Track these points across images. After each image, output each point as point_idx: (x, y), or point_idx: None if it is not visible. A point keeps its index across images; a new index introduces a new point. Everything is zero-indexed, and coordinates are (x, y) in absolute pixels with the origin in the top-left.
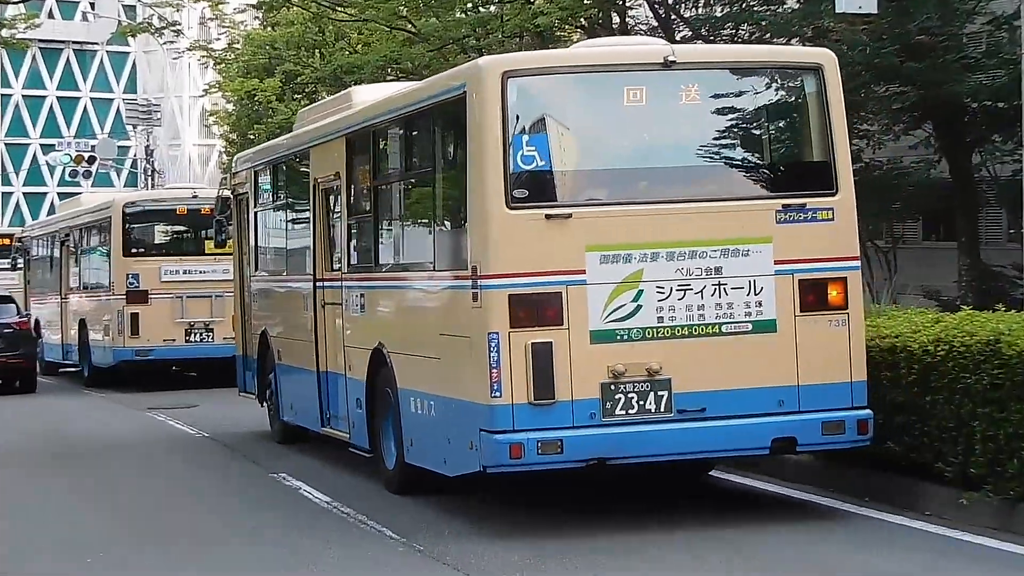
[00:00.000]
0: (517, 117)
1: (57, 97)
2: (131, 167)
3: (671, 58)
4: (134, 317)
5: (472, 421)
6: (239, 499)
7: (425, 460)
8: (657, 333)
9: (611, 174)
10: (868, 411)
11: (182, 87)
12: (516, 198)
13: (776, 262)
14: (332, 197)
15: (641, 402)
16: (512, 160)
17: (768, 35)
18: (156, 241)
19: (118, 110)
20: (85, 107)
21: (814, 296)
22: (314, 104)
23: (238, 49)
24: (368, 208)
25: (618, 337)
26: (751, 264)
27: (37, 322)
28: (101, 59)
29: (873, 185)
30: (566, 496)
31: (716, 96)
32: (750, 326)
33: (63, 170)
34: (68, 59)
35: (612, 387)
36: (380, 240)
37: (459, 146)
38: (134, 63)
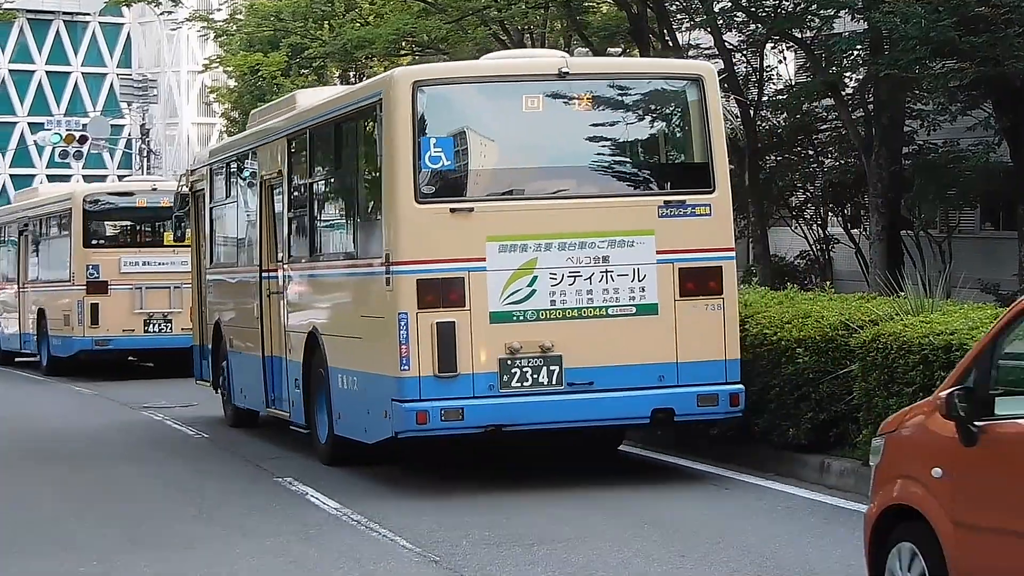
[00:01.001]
0: (425, 122)
1: (46, 72)
2: (125, 147)
3: (565, 69)
4: (94, 307)
5: (385, 392)
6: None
7: (350, 431)
8: (550, 315)
9: (510, 173)
10: (740, 386)
11: (180, 61)
12: (424, 194)
13: (658, 252)
14: (276, 193)
15: (535, 376)
16: (421, 160)
17: (814, 6)
18: (116, 233)
19: (111, 86)
20: (76, 83)
21: (692, 283)
22: (265, 105)
23: (241, 20)
24: (304, 203)
25: (515, 318)
26: (635, 254)
27: None
28: (93, 31)
29: (927, 169)
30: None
31: (606, 103)
32: (634, 309)
33: (53, 151)
34: (58, 31)
35: (509, 362)
36: (314, 232)
37: (376, 147)
38: (129, 35)
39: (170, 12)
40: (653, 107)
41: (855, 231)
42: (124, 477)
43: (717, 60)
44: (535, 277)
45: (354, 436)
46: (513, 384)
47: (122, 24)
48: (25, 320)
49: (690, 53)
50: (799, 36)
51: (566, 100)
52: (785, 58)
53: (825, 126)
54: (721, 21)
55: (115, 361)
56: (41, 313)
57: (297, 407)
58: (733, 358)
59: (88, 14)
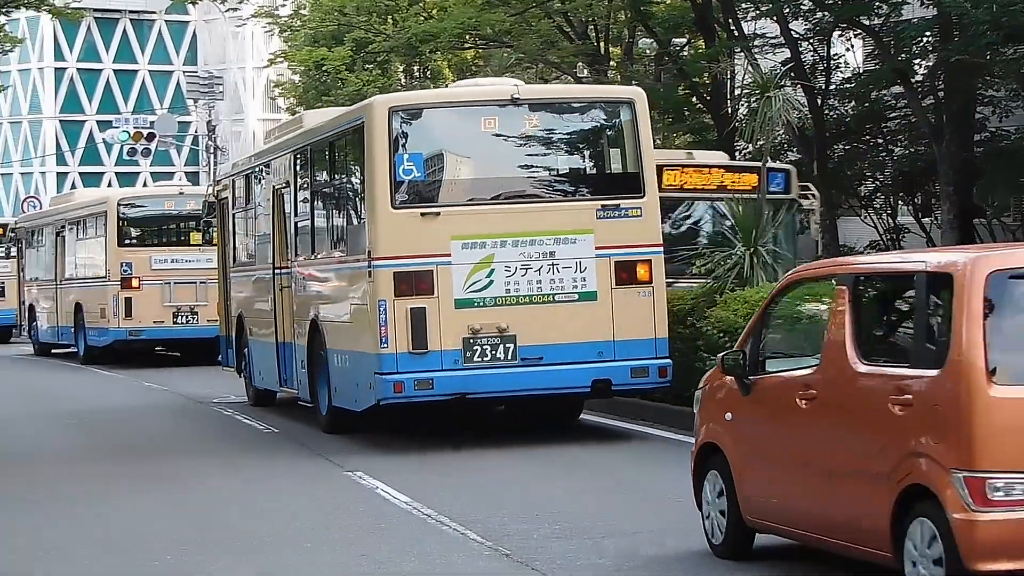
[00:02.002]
0: (399, 141)
1: (114, 70)
2: (192, 144)
3: (516, 96)
4: (127, 301)
5: (369, 367)
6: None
7: (344, 401)
8: (505, 301)
9: (471, 183)
10: (668, 360)
11: (245, 58)
12: (398, 201)
13: (596, 248)
14: (285, 201)
15: (493, 352)
16: (395, 172)
17: None
18: (146, 233)
19: (178, 83)
20: (143, 81)
21: (626, 273)
22: (280, 123)
23: (305, 16)
24: (307, 209)
25: (475, 304)
26: (577, 249)
27: (31, 307)
28: (159, 29)
29: (999, 157)
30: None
31: (551, 123)
32: (577, 296)
33: (121, 148)
34: (125, 30)
35: (471, 341)
36: (314, 234)
37: (360, 162)
38: (194, 33)
39: (235, 9)
40: (592, 126)
41: (926, 220)
42: (194, 471)
43: (783, 49)
44: (492, 269)
45: (347, 406)
46: (475, 359)
47: (187, 22)
48: (62, 314)
49: (756, 42)
50: (867, 23)
51: (518, 121)
52: (853, 46)
53: (894, 114)
54: (787, 9)
55: (144, 350)
56: (78, 307)
57: (303, 385)
58: (662, 336)
59: (154, 12)
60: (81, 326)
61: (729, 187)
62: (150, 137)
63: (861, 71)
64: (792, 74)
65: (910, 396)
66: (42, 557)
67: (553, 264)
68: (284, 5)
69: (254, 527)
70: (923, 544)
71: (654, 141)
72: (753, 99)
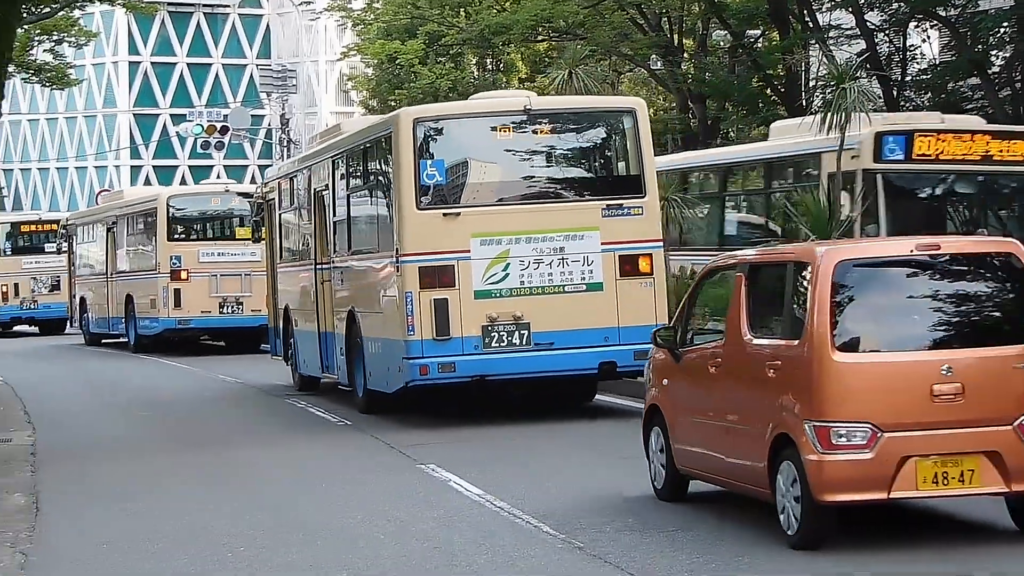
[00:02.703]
0: (423, 148)
1: (187, 64)
2: (265, 137)
3: (528, 107)
4: (176, 292)
5: (398, 352)
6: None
7: (378, 384)
8: (520, 292)
9: (488, 186)
10: None
11: (318, 51)
12: (423, 203)
13: (602, 243)
14: (324, 202)
15: (509, 338)
16: (420, 177)
17: None
18: (194, 228)
19: (251, 77)
20: (217, 74)
21: (629, 266)
22: (322, 130)
23: (378, 9)
24: (344, 209)
25: (493, 294)
26: (585, 245)
27: (83, 299)
28: (233, 23)
29: None
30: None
31: (561, 131)
32: (584, 286)
33: (194, 141)
34: (198, 23)
35: (489, 328)
36: (350, 232)
37: (389, 167)
38: (267, 26)
39: (308, 2)
40: (597, 133)
41: (1003, 212)
42: (267, 462)
43: (859, 40)
44: (508, 264)
45: (380, 388)
46: (493, 344)
47: (261, 15)
48: (113, 306)
49: (831, 34)
50: (943, 14)
51: (530, 129)
52: (929, 37)
53: (971, 105)
54: (863, 0)
55: (191, 339)
56: (129, 299)
57: (342, 370)
58: (662, 322)
59: (227, 6)
60: (131, 316)
61: (996, 157)
62: (223, 130)
63: (937, 62)
64: (867, 65)
65: (779, 361)
66: (121, 549)
67: (563, 258)
68: None
69: (327, 519)
70: (787, 482)
71: (727, 135)
72: (828, 91)
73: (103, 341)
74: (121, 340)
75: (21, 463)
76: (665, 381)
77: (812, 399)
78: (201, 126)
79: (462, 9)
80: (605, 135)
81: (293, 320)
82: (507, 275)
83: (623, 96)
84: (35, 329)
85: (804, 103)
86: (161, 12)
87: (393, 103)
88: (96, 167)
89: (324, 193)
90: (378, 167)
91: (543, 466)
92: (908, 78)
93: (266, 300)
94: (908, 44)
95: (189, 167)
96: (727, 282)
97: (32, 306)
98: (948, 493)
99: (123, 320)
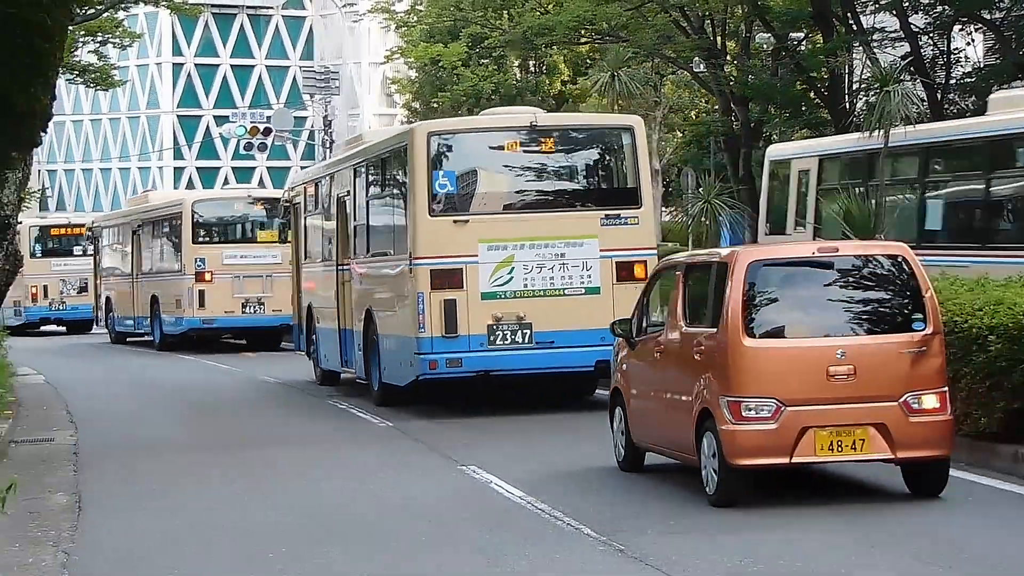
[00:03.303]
0: (436, 160)
1: (230, 65)
2: (308, 139)
3: (535, 123)
4: (201, 293)
5: (410, 348)
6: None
7: (392, 378)
8: (523, 294)
9: (495, 195)
10: None
11: (361, 53)
12: (435, 210)
13: (601, 250)
14: (346, 207)
15: (512, 336)
16: (433, 186)
17: None
18: (218, 231)
19: (294, 78)
20: (260, 76)
21: (625, 272)
22: (346, 140)
23: (421, 11)
24: (364, 214)
25: (498, 296)
26: (584, 251)
27: (108, 299)
28: (276, 24)
29: None
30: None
31: (564, 146)
32: (583, 290)
33: (237, 143)
34: (242, 25)
35: (494, 327)
36: (369, 236)
37: (405, 177)
38: (311, 28)
39: (352, 4)
40: (597, 148)
41: None
42: (309, 463)
43: (902, 43)
44: (513, 268)
45: (394, 382)
46: (497, 342)
47: (304, 17)
48: (139, 306)
49: (875, 36)
50: (988, 17)
51: (536, 144)
52: (973, 40)
53: None
54: (907, 3)
55: (213, 337)
56: (154, 299)
57: (359, 365)
58: None
59: (271, 8)
60: (157, 316)
61: None
62: (266, 132)
63: (981, 65)
64: (911, 68)
65: (703, 346)
66: (161, 548)
67: (564, 263)
68: (400, 0)
69: (368, 519)
70: (708, 450)
71: (771, 137)
72: (872, 94)
73: (128, 340)
74: (146, 339)
75: (64, 462)
76: (624, 366)
77: (726, 378)
78: (244, 127)
79: (505, 11)
80: (605, 150)
81: (316, 318)
82: (511, 278)
83: (622, 114)
84: (63, 329)
85: (847, 106)
86: (205, 13)
87: (436, 105)
88: (139, 168)
89: (346, 199)
90: (395, 176)
91: (579, 466)
92: (952, 81)
93: (291, 298)
94: (952, 47)
95: (232, 168)
96: (672, 280)
97: (61, 307)
98: (842, 458)
99: (148, 319)
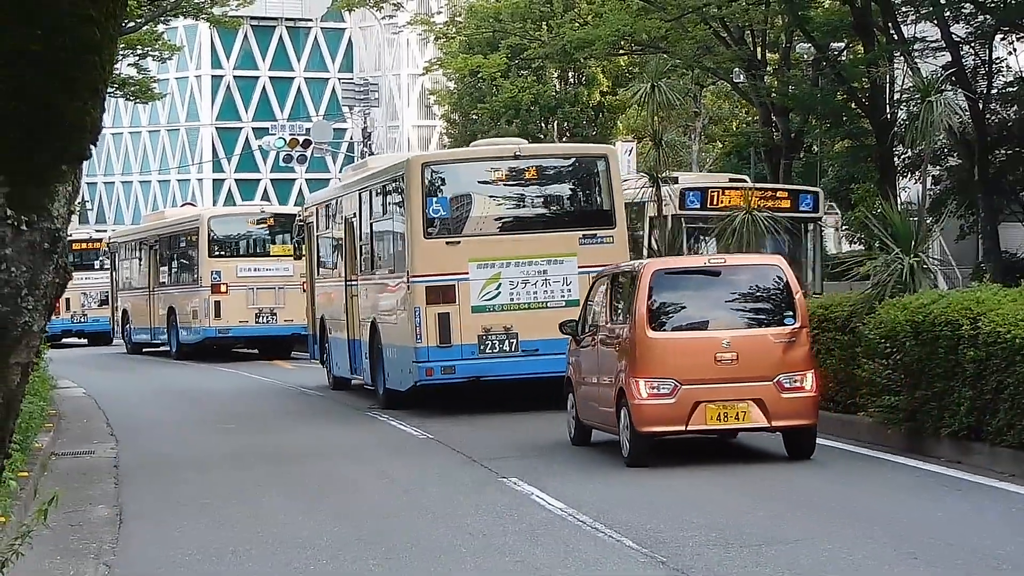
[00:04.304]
0: (430, 188)
1: (270, 77)
2: (347, 151)
3: (518, 153)
4: (217, 304)
5: (409, 357)
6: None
7: (394, 384)
8: (510, 307)
9: (484, 218)
10: None
11: (400, 64)
12: (429, 232)
13: (579, 267)
14: (353, 228)
15: (500, 345)
16: (427, 211)
17: None
18: (233, 245)
19: (333, 90)
20: (299, 88)
21: None
22: (352, 165)
23: (460, 23)
24: (368, 235)
25: (487, 309)
26: (564, 268)
27: (125, 311)
28: (315, 36)
29: None
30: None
31: (545, 172)
32: (564, 303)
33: (277, 155)
34: (281, 37)
35: (484, 337)
36: (373, 255)
37: (403, 202)
38: (350, 40)
39: (391, 16)
40: (575, 174)
41: None
42: (348, 474)
43: (944, 53)
44: (500, 284)
45: (395, 387)
46: (487, 351)
47: (343, 29)
48: (156, 317)
49: (916, 46)
50: None
51: (519, 171)
52: (1015, 49)
53: None
54: (948, 13)
55: (227, 347)
56: (171, 310)
57: (366, 372)
58: None
59: (310, 20)
60: (173, 326)
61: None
62: (306, 144)
63: (1023, 75)
64: (953, 78)
65: (621, 339)
66: (201, 560)
67: (546, 279)
68: (440, 12)
69: (410, 532)
70: (624, 422)
71: (811, 148)
72: (913, 104)
73: (143, 350)
74: (162, 349)
75: (105, 475)
76: (573, 359)
77: (635, 363)
78: (283, 139)
79: (544, 23)
80: (582, 176)
81: (328, 329)
82: (499, 293)
83: (597, 144)
84: (84, 341)
85: (888, 116)
86: (244, 26)
87: (475, 117)
88: (179, 181)
89: (353, 220)
90: (394, 201)
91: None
92: (994, 91)
93: (306, 311)
94: (994, 57)
95: (271, 181)
96: (604, 286)
97: (82, 319)
98: (728, 427)
99: (165, 330)
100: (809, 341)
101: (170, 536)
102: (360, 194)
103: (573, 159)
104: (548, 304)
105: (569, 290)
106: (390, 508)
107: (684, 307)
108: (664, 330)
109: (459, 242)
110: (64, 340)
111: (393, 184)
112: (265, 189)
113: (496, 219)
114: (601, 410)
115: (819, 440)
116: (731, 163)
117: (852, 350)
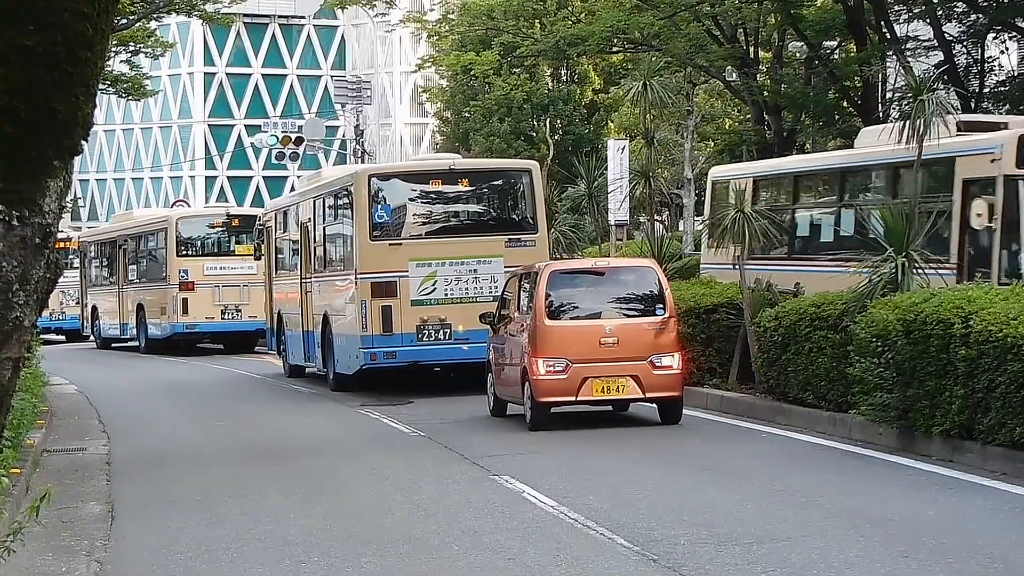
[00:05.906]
0: (375, 196)
1: (262, 75)
2: (340, 148)
3: (452, 166)
4: (184, 301)
5: (356, 345)
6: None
7: (343, 369)
8: (444, 301)
9: (422, 224)
10: None
11: (393, 62)
12: (374, 235)
13: (505, 267)
14: (308, 231)
15: (436, 334)
16: (373, 217)
17: None
18: (200, 245)
19: (326, 88)
20: (292, 85)
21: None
22: (308, 174)
23: (453, 20)
24: (321, 237)
25: (425, 303)
26: (492, 268)
27: (95, 308)
28: (308, 34)
29: None
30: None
31: (476, 184)
32: (492, 297)
33: (269, 152)
34: (274, 34)
35: (422, 327)
36: (326, 255)
37: (351, 209)
38: (343, 37)
39: (384, 14)
40: (503, 186)
41: None
42: (341, 472)
43: (936, 52)
44: (436, 280)
45: (344, 372)
46: (424, 339)
47: (336, 27)
48: (125, 313)
49: (908, 45)
50: (1022, 25)
51: (454, 183)
52: (1008, 48)
53: None
54: (940, 12)
55: (193, 342)
56: (140, 307)
57: (319, 360)
58: None
59: (303, 17)
60: (142, 322)
61: None
62: (298, 141)
63: (1016, 74)
64: (945, 77)
65: (524, 325)
66: (194, 558)
67: (476, 277)
68: (432, 10)
69: (401, 528)
70: (526, 394)
71: (804, 146)
72: (905, 102)
73: (112, 345)
74: (131, 344)
75: (97, 472)
76: (491, 345)
77: (535, 346)
78: (276, 137)
79: (537, 21)
80: (509, 188)
81: (285, 322)
82: (435, 289)
83: (522, 159)
84: (62, 337)
85: (881, 115)
86: (236, 23)
87: (468, 114)
88: (171, 178)
89: (308, 224)
90: (345, 207)
91: (614, 477)
92: (986, 90)
93: (264, 306)
94: (986, 56)
95: (264, 178)
96: (515, 282)
97: (61, 317)
98: (610, 399)
99: (134, 326)
100: (676, 328)
101: (162, 533)
102: (314, 201)
103: (501, 172)
104: (478, 299)
105: (496, 287)
106: (381, 504)
107: (575, 300)
108: (559, 319)
109: (400, 244)
110: (44, 337)
111: (343, 193)
112: (257, 186)
113: (433, 224)
114: (512, 387)
115: (812, 439)
116: (723, 161)
117: (844, 348)
